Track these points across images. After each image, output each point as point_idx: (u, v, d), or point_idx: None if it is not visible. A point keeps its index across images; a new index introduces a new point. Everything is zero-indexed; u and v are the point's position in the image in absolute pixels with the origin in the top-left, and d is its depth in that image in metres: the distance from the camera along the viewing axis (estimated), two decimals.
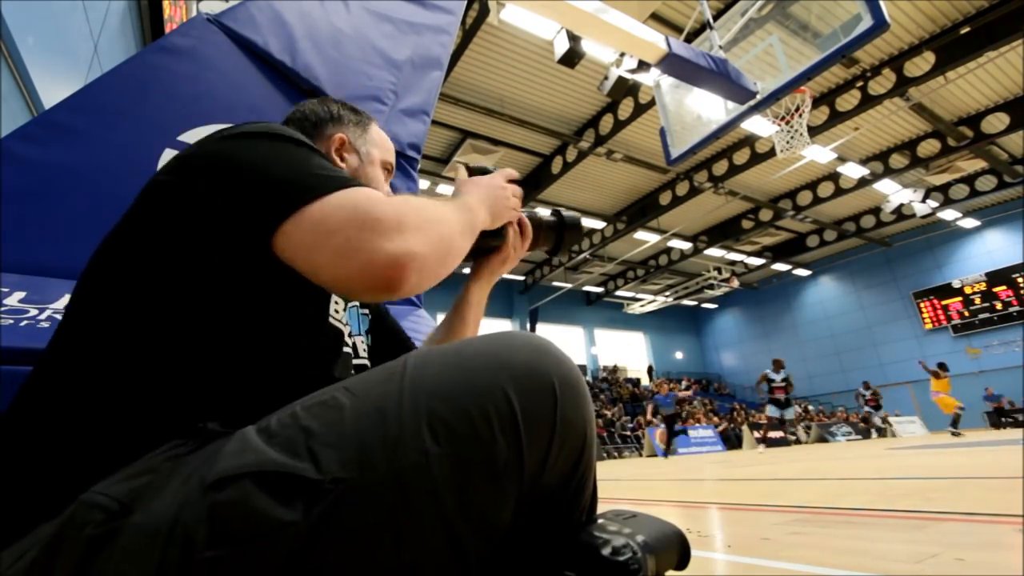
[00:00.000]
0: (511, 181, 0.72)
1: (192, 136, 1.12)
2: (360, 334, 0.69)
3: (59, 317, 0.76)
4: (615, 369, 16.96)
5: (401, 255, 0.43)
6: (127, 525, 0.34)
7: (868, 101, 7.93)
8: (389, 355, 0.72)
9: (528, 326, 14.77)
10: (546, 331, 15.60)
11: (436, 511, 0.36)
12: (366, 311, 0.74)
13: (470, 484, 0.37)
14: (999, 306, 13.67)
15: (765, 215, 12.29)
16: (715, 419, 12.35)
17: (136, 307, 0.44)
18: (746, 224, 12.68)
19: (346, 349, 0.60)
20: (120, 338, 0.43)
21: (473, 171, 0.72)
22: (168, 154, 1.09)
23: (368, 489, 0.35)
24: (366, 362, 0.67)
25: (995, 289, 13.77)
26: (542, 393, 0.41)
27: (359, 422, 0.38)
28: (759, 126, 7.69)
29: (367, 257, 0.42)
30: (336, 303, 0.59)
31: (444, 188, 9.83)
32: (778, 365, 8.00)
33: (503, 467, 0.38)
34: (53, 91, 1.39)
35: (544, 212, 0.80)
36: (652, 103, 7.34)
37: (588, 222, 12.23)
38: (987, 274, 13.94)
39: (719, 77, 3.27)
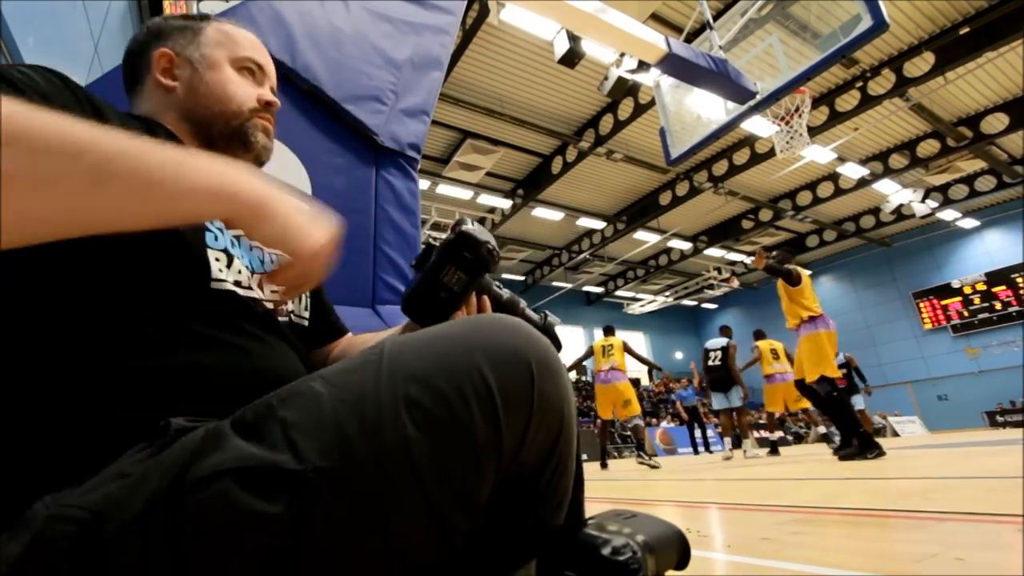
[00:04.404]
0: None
1: None
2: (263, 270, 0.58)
3: None
4: None
5: None
6: (103, 534, 0.33)
7: (868, 101, 7.93)
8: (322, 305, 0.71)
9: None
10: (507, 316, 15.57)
11: (418, 492, 0.36)
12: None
13: (449, 464, 0.37)
14: (998, 306, 13.66)
15: (765, 215, 12.29)
16: (715, 419, 12.34)
17: (45, 305, 0.42)
18: (746, 224, 12.69)
19: (258, 307, 0.53)
20: (42, 339, 0.41)
21: (462, 238, 0.54)
22: None
23: (349, 476, 0.35)
24: (291, 307, 0.63)
25: (994, 289, 13.77)
26: (518, 371, 0.40)
27: (337, 410, 0.37)
28: (759, 126, 7.69)
29: None
30: (218, 260, 0.51)
31: (444, 188, 9.84)
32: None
33: (482, 445, 0.38)
34: None
35: (530, 310, 0.63)
36: (652, 103, 7.34)
37: (588, 222, 12.23)
38: (986, 274, 13.94)
39: (719, 77, 3.27)
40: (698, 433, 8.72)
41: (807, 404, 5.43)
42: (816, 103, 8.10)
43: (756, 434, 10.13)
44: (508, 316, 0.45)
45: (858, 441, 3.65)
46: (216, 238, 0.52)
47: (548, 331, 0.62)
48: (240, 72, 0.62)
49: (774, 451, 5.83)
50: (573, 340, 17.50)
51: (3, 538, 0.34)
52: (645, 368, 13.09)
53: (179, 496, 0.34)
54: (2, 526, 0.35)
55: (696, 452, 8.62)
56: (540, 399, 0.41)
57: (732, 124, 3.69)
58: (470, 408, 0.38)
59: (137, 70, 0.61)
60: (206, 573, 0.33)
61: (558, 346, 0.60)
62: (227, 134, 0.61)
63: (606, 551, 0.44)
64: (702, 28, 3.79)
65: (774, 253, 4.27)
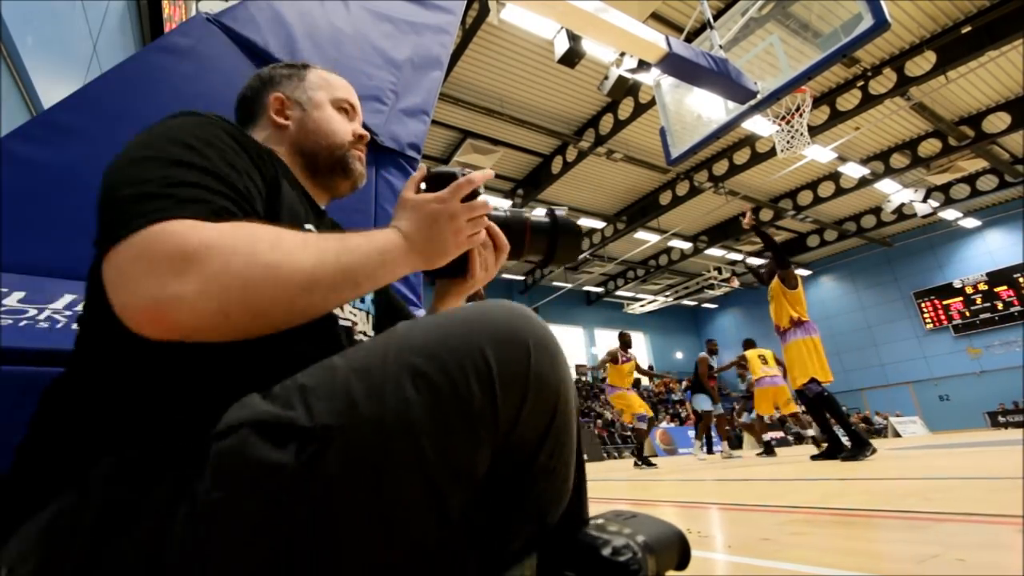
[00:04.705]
0: (472, 195, 0.59)
1: None
2: (364, 305, 0.69)
3: (58, 317, 0.76)
4: None
5: (162, 301, 0.38)
6: (147, 475, 0.39)
7: (869, 101, 7.92)
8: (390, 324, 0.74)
9: None
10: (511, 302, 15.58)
11: (413, 454, 0.39)
12: None
13: (445, 428, 0.40)
14: (1000, 306, 13.65)
15: (765, 215, 12.28)
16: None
17: None
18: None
19: (343, 322, 0.60)
20: (132, 344, 0.44)
21: (435, 178, 0.58)
22: None
23: (352, 434, 0.39)
24: (370, 334, 0.68)
25: (996, 289, 13.76)
26: (517, 351, 0.43)
27: (348, 377, 0.41)
28: (759, 126, 7.68)
29: (123, 298, 0.39)
30: None
31: None
32: (715, 349, 6.81)
33: (477, 415, 0.41)
34: (52, 91, 1.39)
35: (536, 212, 0.65)
36: (652, 103, 7.34)
37: (588, 222, 12.22)
38: (988, 274, 13.93)
39: (719, 77, 3.27)
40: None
41: (795, 408, 5.66)
42: (817, 102, 8.09)
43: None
44: (514, 303, 0.47)
45: (852, 441, 3.66)
46: None
47: (563, 226, 0.63)
48: (338, 111, 0.72)
49: (769, 452, 5.84)
50: (573, 340, 17.51)
51: (70, 492, 0.39)
52: (645, 367, 13.09)
53: (206, 444, 0.39)
54: (69, 480, 0.40)
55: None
56: (536, 378, 0.44)
57: (732, 124, 3.68)
58: (468, 380, 0.41)
59: (252, 111, 0.71)
60: (219, 509, 0.36)
61: (577, 232, 0.66)
62: (331, 164, 0.70)
63: (606, 551, 0.44)
64: (702, 27, 3.79)
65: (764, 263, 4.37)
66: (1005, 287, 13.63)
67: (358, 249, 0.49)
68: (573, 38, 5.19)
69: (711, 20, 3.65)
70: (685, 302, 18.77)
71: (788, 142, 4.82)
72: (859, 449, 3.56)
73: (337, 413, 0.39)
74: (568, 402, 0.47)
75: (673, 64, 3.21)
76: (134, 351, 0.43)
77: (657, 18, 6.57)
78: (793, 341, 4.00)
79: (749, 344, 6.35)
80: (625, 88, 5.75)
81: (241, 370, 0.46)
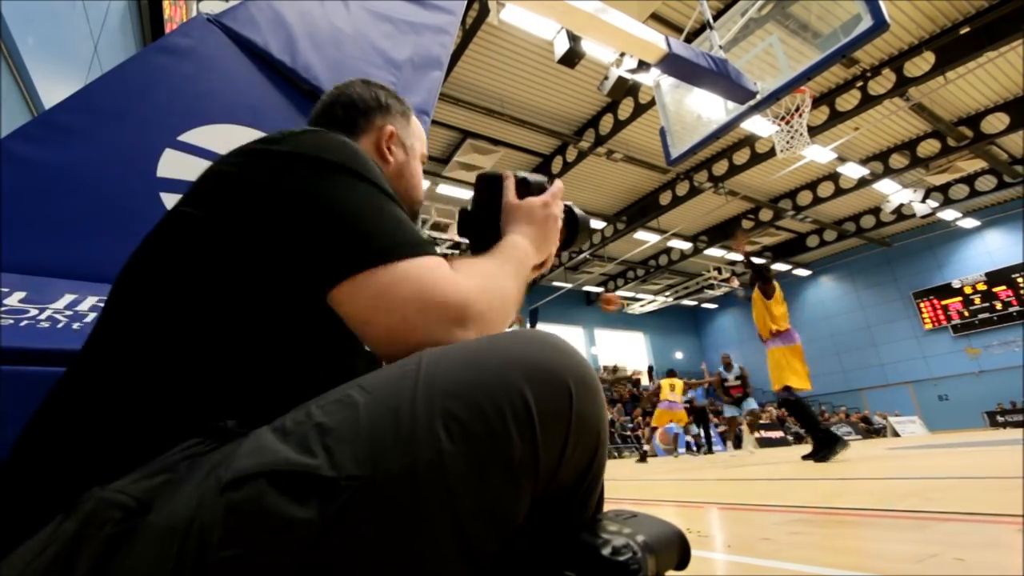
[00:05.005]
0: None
1: (192, 136, 1.12)
2: None
3: (59, 317, 0.76)
4: (615, 369, 16.96)
5: (442, 342, 0.44)
6: (145, 524, 0.35)
7: (868, 101, 7.93)
8: None
9: (528, 326, 14.76)
10: (546, 331, 15.59)
11: (449, 509, 0.36)
12: None
13: (484, 481, 0.37)
14: (999, 306, 13.66)
15: (765, 215, 12.29)
16: (715, 419, 12.34)
17: (164, 311, 0.45)
18: (746, 224, 12.68)
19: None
20: (145, 341, 0.44)
21: (528, 186, 0.64)
22: (169, 154, 1.09)
23: (381, 487, 0.35)
24: None
25: (995, 289, 13.77)
26: (558, 391, 0.40)
27: (373, 420, 0.38)
28: (759, 126, 7.69)
29: (399, 335, 0.44)
30: None
31: (444, 188, 9.83)
32: (728, 362, 7.76)
33: (518, 464, 0.38)
34: (53, 91, 1.39)
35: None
36: (652, 103, 7.34)
37: None
38: (987, 274, 13.94)
39: (719, 77, 3.27)
40: (701, 432, 8.79)
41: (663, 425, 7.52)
42: (816, 103, 8.09)
43: (758, 434, 10.18)
44: (549, 333, 0.45)
45: (824, 438, 3.72)
46: None
47: (580, 220, 0.70)
48: (420, 165, 0.74)
49: (643, 459, 7.05)
50: (573, 340, 17.44)
51: (61, 517, 0.36)
52: (645, 368, 13.09)
53: (215, 496, 0.35)
54: (64, 507, 0.37)
55: (689, 451, 8.77)
56: (578, 419, 0.41)
57: (732, 124, 3.68)
58: (507, 425, 0.38)
59: (356, 125, 0.69)
60: (231, 570, 0.33)
61: (589, 225, 0.73)
62: None
63: (606, 551, 0.44)
64: (702, 28, 3.79)
65: (760, 261, 4.50)
66: (1004, 287, 13.64)
67: (521, 264, 0.56)
68: (573, 38, 5.19)
69: (711, 20, 3.65)
70: (685, 302, 18.77)
71: (788, 142, 4.82)
72: (828, 449, 3.63)
73: (363, 462, 0.36)
74: (606, 438, 0.46)
75: (673, 64, 3.21)
76: (157, 359, 0.43)
77: (657, 18, 6.57)
78: (773, 349, 4.19)
79: (672, 374, 7.99)
80: (625, 88, 5.75)
81: (266, 388, 0.45)
